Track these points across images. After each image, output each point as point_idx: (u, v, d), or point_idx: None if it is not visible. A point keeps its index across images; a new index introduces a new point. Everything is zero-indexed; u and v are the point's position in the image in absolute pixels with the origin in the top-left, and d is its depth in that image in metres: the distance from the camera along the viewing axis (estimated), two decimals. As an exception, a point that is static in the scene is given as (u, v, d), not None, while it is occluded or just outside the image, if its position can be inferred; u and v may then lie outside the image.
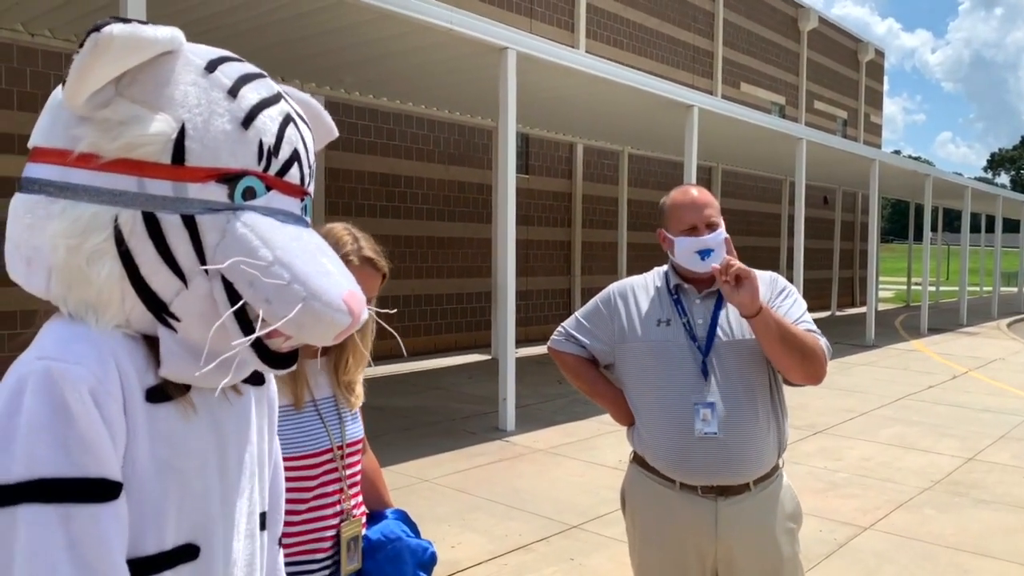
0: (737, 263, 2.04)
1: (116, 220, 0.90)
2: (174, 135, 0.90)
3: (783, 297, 2.24)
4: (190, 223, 0.91)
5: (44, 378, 0.85)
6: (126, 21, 0.87)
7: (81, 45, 0.86)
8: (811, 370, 2.14)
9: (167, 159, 0.90)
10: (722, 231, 2.20)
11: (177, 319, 0.93)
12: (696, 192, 2.25)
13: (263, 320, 0.92)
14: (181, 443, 0.96)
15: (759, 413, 2.16)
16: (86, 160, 0.90)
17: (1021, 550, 4.38)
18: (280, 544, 1.25)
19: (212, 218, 0.92)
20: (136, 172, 0.90)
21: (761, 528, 2.16)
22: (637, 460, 2.30)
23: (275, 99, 1.00)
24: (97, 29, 0.85)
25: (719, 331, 2.19)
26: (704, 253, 2.17)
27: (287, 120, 1.00)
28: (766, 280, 2.27)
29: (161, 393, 0.94)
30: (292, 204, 0.99)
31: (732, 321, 2.20)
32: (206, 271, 0.92)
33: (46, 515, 0.83)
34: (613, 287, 2.39)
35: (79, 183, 0.90)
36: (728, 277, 2.03)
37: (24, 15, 7.22)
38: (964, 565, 4.17)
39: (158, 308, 0.93)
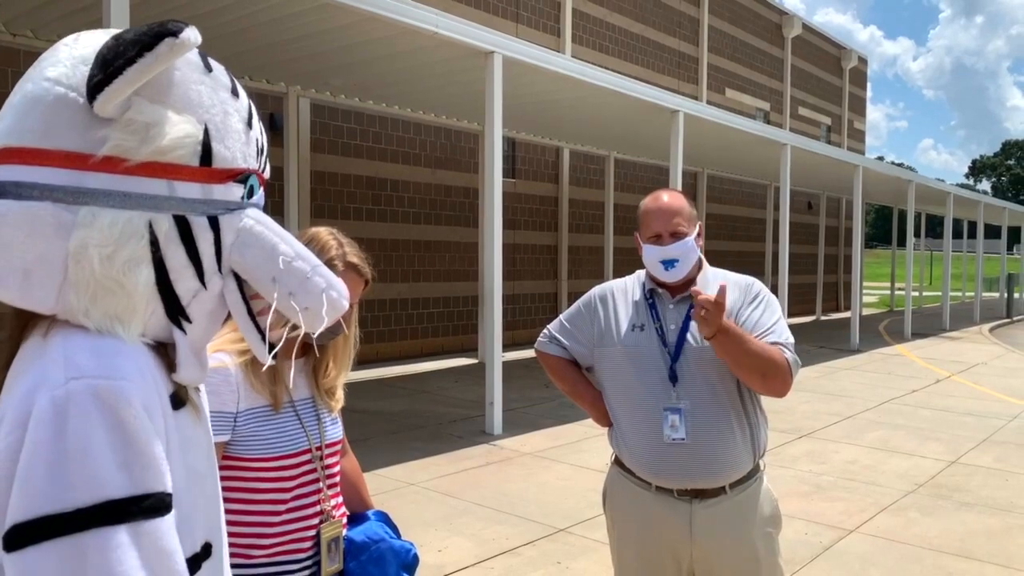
0: (708, 308, 1.99)
1: (151, 225, 0.88)
2: (202, 136, 0.90)
3: (754, 306, 2.22)
4: (215, 224, 0.92)
5: (92, 399, 0.81)
6: (186, 24, 0.86)
7: (147, 47, 0.83)
8: (771, 386, 2.14)
9: (196, 161, 0.90)
10: (688, 240, 2.18)
11: (190, 321, 0.93)
12: (667, 198, 2.23)
13: (275, 312, 0.94)
14: (196, 446, 0.97)
15: (730, 418, 2.16)
16: (111, 164, 0.86)
17: (1004, 552, 4.40)
18: None
19: (229, 218, 0.93)
20: (164, 175, 0.88)
21: (737, 531, 2.16)
22: (617, 461, 2.31)
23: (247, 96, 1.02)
24: (173, 34, 0.83)
25: (689, 337, 2.18)
26: (667, 263, 2.17)
27: (258, 116, 1.02)
28: (741, 286, 2.26)
29: (178, 399, 0.93)
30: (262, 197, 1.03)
31: None
32: (220, 270, 0.93)
33: (118, 537, 0.80)
34: (595, 290, 2.40)
35: (100, 188, 0.85)
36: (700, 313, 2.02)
37: (5, 15, 7.16)
38: (948, 567, 4.19)
39: (176, 312, 0.92)
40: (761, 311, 2.21)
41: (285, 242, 0.94)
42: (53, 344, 0.87)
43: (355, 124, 11.54)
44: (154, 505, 0.84)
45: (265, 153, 1.01)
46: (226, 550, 1.07)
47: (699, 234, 2.24)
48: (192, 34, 0.85)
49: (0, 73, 7.86)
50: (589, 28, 15.60)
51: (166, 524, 0.85)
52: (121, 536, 0.80)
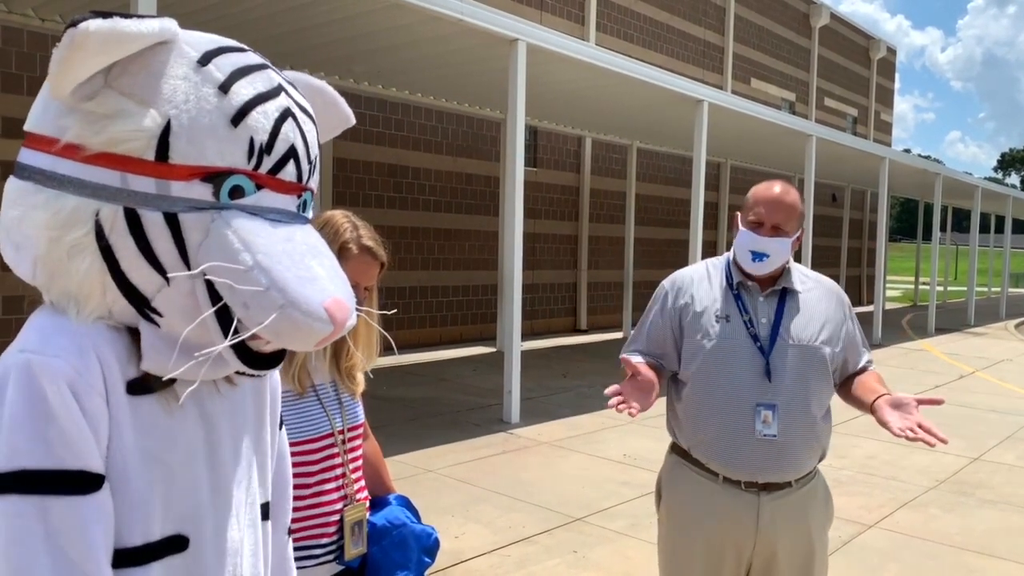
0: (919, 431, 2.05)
1: (97, 214, 0.89)
2: (159, 131, 0.88)
3: (850, 319, 2.28)
4: (172, 221, 0.89)
5: (25, 372, 0.86)
6: (106, 15, 0.85)
7: (58, 39, 0.85)
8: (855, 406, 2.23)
9: (151, 156, 0.89)
10: (787, 241, 2.13)
11: (160, 315, 0.93)
12: (779, 190, 2.16)
13: (240, 323, 0.91)
14: (166, 435, 0.96)
15: (817, 417, 2.16)
16: (71, 151, 0.89)
17: (1026, 550, 4.36)
18: (289, 533, 1.24)
19: (196, 217, 0.90)
20: (119, 167, 0.89)
21: (798, 524, 2.17)
22: (677, 451, 2.26)
23: (273, 93, 0.96)
24: (74, 24, 0.84)
25: (785, 333, 2.15)
26: (757, 255, 2.12)
27: (285, 115, 0.96)
28: (838, 298, 2.28)
29: (142, 385, 0.93)
30: (287, 202, 0.97)
31: (798, 324, 2.16)
32: (191, 269, 0.91)
33: (25, 506, 0.84)
34: (666, 285, 2.31)
35: (65, 174, 0.89)
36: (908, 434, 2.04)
37: (35, 0, 7.22)
38: (968, 564, 4.16)
39: (140, 303, 0.92)
40: (854, 325, 2.27)
41: (248, 250, 0.89)
42: (32, 316, 0.95)
43: (377, 111, 11.55)
44: (71, 482, 0.86)
45: (276, 153, 0.95)
46: (235, 545, 1.04)
47: (799, 236, 2.19)
48: (95, 25, 0.83)
49: (30, 58, 7.95)
50: (614, 16, 15.48)
51: (86, 503, 0.87)
52: (28, 506, 0.84)
